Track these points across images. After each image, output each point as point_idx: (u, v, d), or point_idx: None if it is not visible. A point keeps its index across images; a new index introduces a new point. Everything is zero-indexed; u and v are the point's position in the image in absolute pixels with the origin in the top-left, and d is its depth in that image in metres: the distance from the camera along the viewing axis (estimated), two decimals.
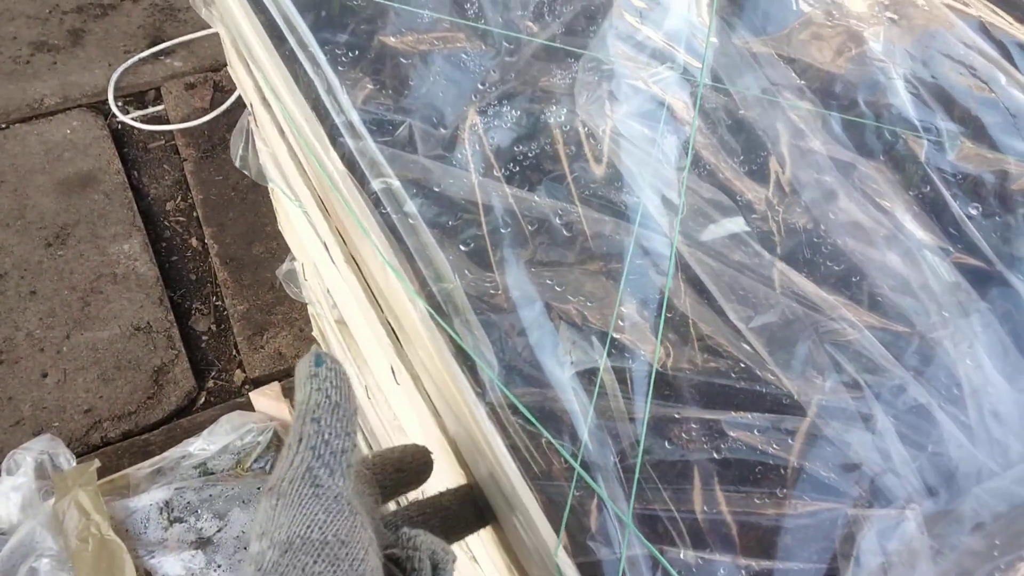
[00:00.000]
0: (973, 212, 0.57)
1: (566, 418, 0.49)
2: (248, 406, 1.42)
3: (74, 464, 1.18)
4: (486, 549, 0.55)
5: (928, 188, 0.58)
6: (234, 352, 1.64)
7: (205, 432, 1.23)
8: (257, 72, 0.71)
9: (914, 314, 0.52)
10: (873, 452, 0.47)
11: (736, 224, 0.55)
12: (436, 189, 0.59)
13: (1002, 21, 0.69)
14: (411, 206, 0.57)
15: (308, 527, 0.34)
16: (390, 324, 0.62)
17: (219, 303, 1.72)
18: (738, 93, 0.63)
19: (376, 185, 0.58)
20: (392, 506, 0.50)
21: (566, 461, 0.47)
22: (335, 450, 0.37)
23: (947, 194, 0.57)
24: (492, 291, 0.54)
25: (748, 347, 0.51)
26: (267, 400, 1.29)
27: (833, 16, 0.69)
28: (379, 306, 0.62)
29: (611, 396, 0.49)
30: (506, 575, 0.51)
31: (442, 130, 0.63)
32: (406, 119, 0.63)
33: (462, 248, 0.56)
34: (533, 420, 0.48)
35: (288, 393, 1.32)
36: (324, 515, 0.35)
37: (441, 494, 0.51)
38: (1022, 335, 0.52)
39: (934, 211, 0.57)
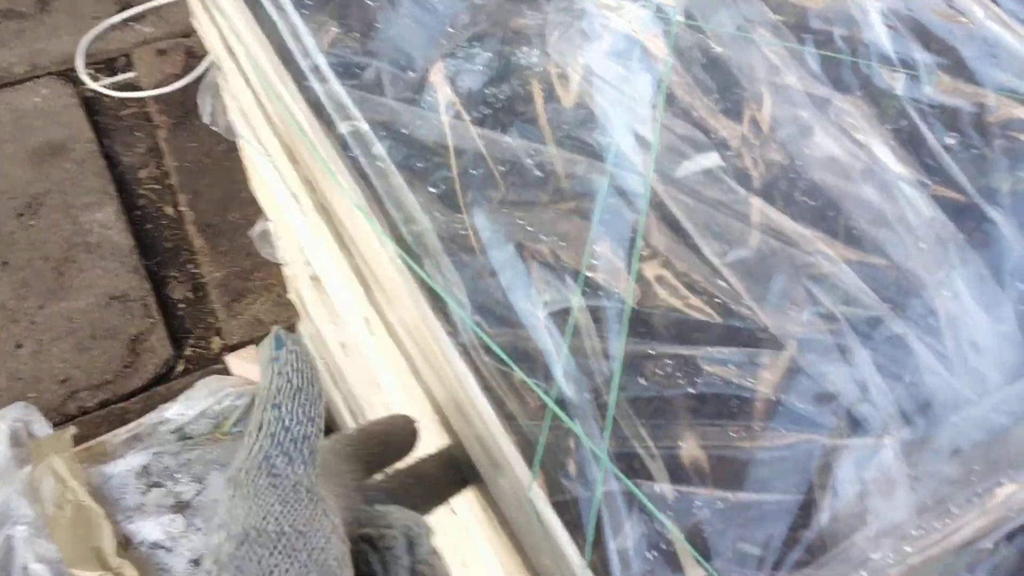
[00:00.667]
0: (951, 144, 0.56)
1: (540, 358, 0.48)
2: (227, 373, 1.41)
3: (50, 432, 1.17)
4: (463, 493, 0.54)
5: (905, 122, 0.57)
6: (212, 319, 1.63)
7: (182, 397, 1.21)
8: (220, 19, 0.69)
9: (891, 246, 0.51)
10: (850, 383, 0.46)
11: (710, 160, 0.54)
12: (405, 131, 0.57)
13: None
14: (379, 148, 0.56)
15: (264, 518, 0.33)
16: (361, 272, 0.60)
17: (196, 270, 1.70)
18: (712, 31, 0.62)
19: (343, 128, 0.57)
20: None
21: (540, 400, 0.46)
22: (295, 437, 0.36)
23: (924, 127, 0.57)
24: (463, 232, 0.53)
25: (724, 283, 0.50)
26: (244, 363, 1.28)
27: None
28: (350, 253, 0.61)
29: (585, 335, 0.48)
30: (481, 516, 0.51)
31: (411, 73, 0.62)
32: (373, 62, 0.62)
33: (432, 190, 0.55)
34: (505, 358, 0.47)
35: None
36: (281, 506, 0.34)
37: (422, 460, 0.50)
38: (999, 266, 0.51)
39: (912, 144, 0.56)
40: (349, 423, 1.14)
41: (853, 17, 0.62)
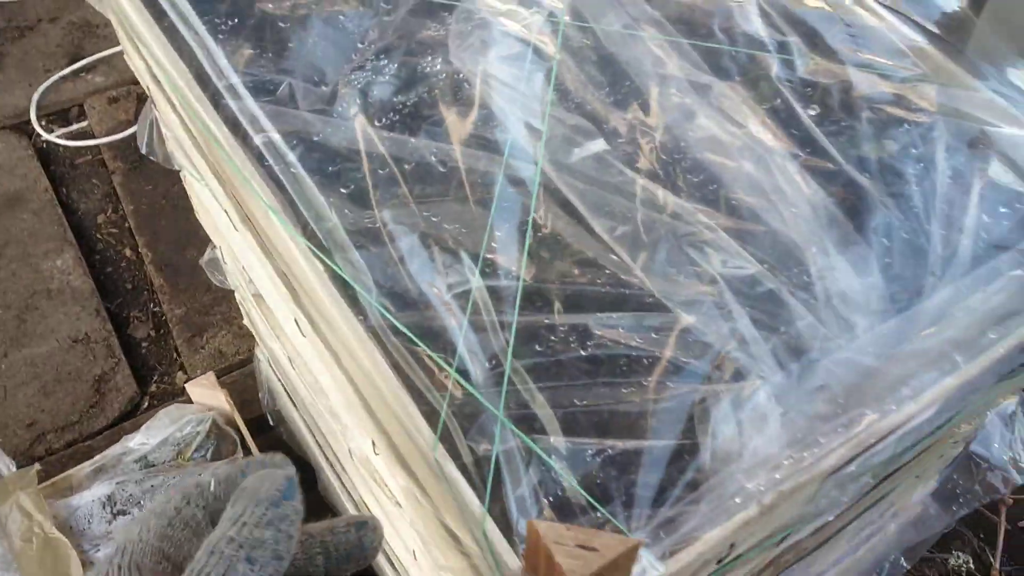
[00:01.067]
0: (820, 119, 0.60)
1: (444, 334, 0.51)
2: (188, 401, 1.42)
3: (14, 469, 1.19)
4: (382, 456, 0.58)
5: (779, 101, 0.62)
6: (175, 355, 1.65)
7: (144, 427, 1.24)
8: (143, 49, 0.73)
9: (766, 213, 0.56)
10: (729, 338, 0.50)
11: (597, 145, 0.58)
12: (317, 139, 0.61)
13: None
14: (292, 156, 0.60)
15: None
16: (285, 275, 0.64)
17: (157, 309, 1.73)
18: (601, 30, 0.66)
19: (257, 140, 0.61)
20: None
21: (446, 373, 0.49)
22: None
23: (796, 105, 0.61)
24: (371, 226, 0.56)
25: (613, 256, 0.54)
26: (203, 390, 1.30)
27: None
28: (273, 257, 0.64)
29: (485, 311, 0.52)
30: (397, 469, 0.53)
31: (323, 88, 0.65)
32: (287, 79, 0.65)
33: (342, 191, 0.59)
34: (409, 334, 0.50)
35: (223, 383, 1.33)
36: None
37: None
38: (865, 224, 0.55)
39: (785, 122, 0.61)
40: (308, 438, 1.17)
41: (731, 10, 0.67)
